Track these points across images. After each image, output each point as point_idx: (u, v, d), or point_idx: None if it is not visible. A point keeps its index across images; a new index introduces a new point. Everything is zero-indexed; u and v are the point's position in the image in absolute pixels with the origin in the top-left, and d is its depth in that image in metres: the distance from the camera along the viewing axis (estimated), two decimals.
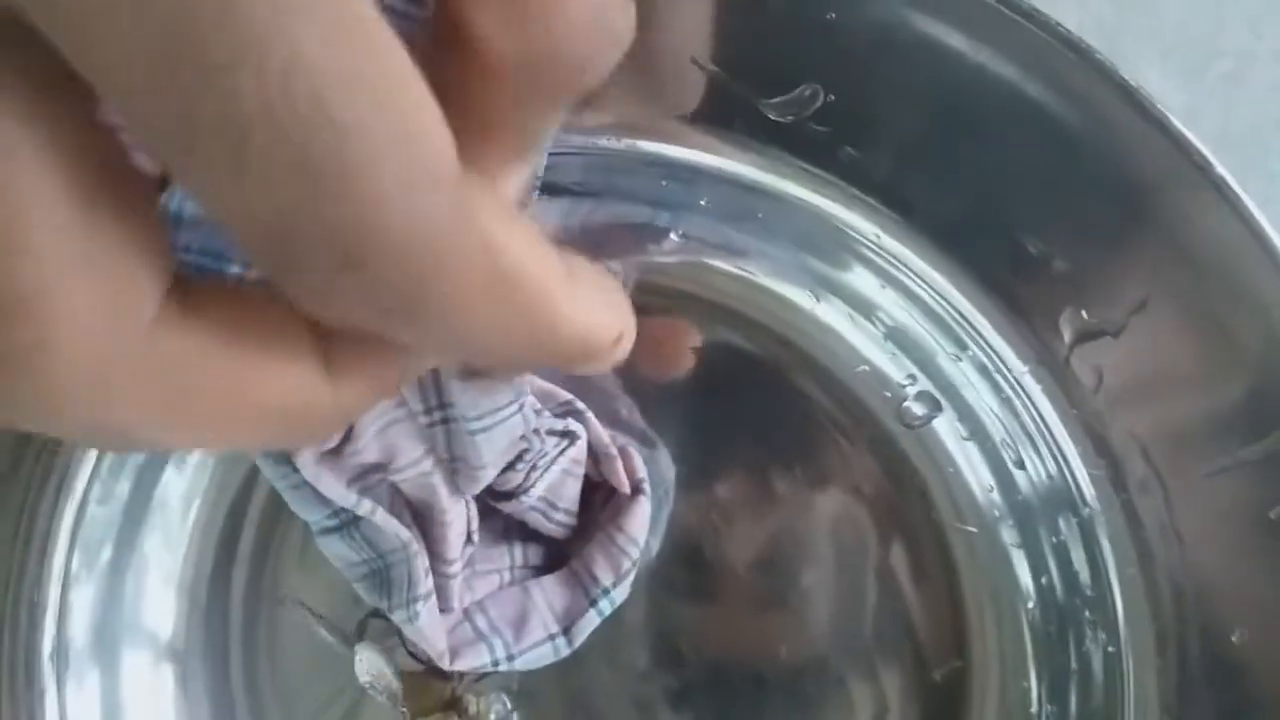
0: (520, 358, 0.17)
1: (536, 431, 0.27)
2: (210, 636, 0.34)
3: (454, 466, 0.26)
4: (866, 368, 0.33)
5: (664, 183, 0.31)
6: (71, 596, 0.33)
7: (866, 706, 0.32)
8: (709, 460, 0.33)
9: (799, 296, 0.32)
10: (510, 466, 0.27)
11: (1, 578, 0.33)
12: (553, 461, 0.28)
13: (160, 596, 0.34)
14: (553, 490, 0.29)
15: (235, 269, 0.21)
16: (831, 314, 0.32)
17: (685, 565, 0.33)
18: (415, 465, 0.26)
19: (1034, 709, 0.32)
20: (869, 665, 0.32)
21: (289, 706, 0.34)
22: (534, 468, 0.28)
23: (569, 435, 0.29)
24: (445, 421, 0.25)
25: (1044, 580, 0.32)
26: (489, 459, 0.26)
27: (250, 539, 0.34)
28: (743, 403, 0.33)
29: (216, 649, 0.34)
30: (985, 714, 0.32)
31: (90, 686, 0.33)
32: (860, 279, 0.32)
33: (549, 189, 0.31)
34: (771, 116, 0.29)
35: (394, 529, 0.26)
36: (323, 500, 0.26)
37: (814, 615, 0.33)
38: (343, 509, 0.26)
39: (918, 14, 0.28)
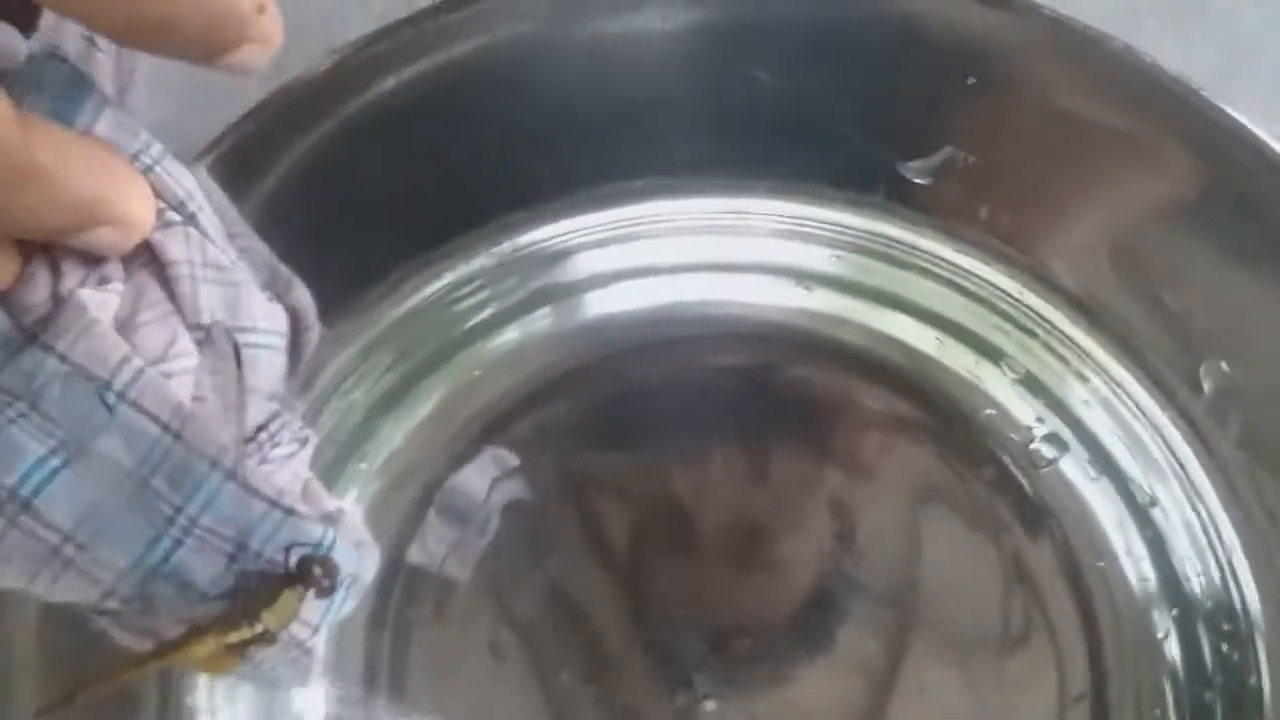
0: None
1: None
2: None
3: None
4: (994, 411, 0.34)
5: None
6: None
7: None
8: (837, 508, 0.34)
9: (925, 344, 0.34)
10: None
11: None
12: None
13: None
14: None
15: None
16: (958, 359, 0.34)
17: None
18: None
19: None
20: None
21: None
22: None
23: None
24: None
25: (1179, 613, 0.33)
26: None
27: None
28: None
29: None
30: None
31: None
32: (994, 332, 0.33)
33: None
34: (913, 179, 0.30)
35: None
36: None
37: (950, 660, 0.33)
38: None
39: (1052, 77, 0.29)
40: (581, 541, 0.35)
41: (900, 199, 0.31)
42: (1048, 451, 0.34)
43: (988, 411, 0.34)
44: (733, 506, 0.34)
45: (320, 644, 0.28)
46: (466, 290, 0.34)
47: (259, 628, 0.25)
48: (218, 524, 0.26)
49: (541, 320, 0.34)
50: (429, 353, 0.34)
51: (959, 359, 0.33)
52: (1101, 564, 0.33)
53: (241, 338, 0.28)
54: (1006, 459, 0.34)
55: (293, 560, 0.25)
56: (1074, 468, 0.34)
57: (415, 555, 0.34)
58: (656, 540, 0.35)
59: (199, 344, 0.28)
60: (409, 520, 0.34)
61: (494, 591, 0.34)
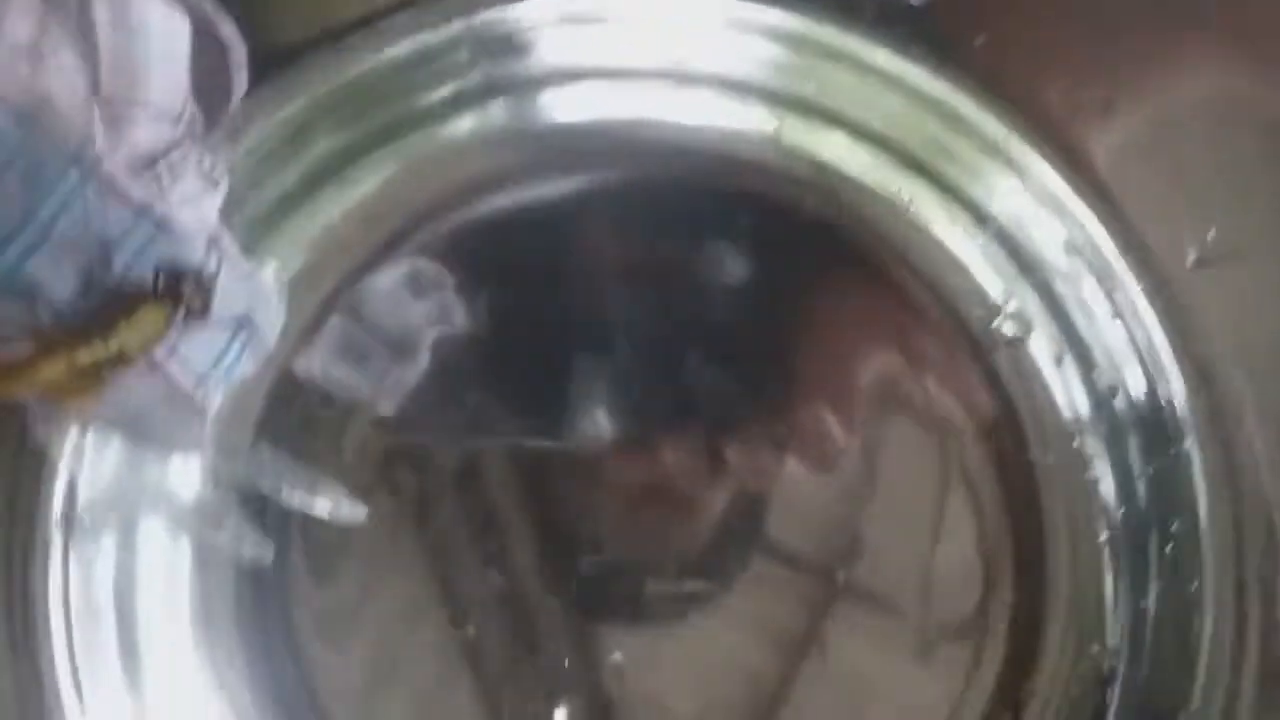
0: None
1: None
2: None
3: None
4: (962, 278, 0.31)
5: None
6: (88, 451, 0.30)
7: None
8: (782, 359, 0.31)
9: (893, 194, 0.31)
10: None
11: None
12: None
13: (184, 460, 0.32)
14: None
15: None
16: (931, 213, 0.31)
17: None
18: None
19: (1109, 644, 0.31)
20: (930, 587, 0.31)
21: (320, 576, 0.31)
22: None
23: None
24: None
25: (1124, 510, 0.31)
26: None
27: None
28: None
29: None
30: (1061, 648, 0.31)
31: (103, 555, 0.31)
32: (977, 179, 0.30)
33: None
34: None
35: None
36: None
37: (881, 538, 0.31)
38: None
39: None
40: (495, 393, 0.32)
41: (890, 20, 0.28)
42: (1011, 330, 0.31)
43: (954, 277, 0.31)
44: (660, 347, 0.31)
45: (212, 404, 0.25)
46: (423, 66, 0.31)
47: (113, 346, 0.21)
48: (76, 231, 0.22)
49: (496, 113, 0.31)
50: (377, 126, 0.31)
51: (931, 210, 0.31)
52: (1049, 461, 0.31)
53: (125, 36, 0.25)
54: (968, 334, 0.31)
55: (159, 279, 0.22)
56: (1037, 349, 0.31)
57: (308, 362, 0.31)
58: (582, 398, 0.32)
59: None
60: (313, 320, 0.31)
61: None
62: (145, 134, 0.25)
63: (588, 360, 0.32)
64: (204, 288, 0.22)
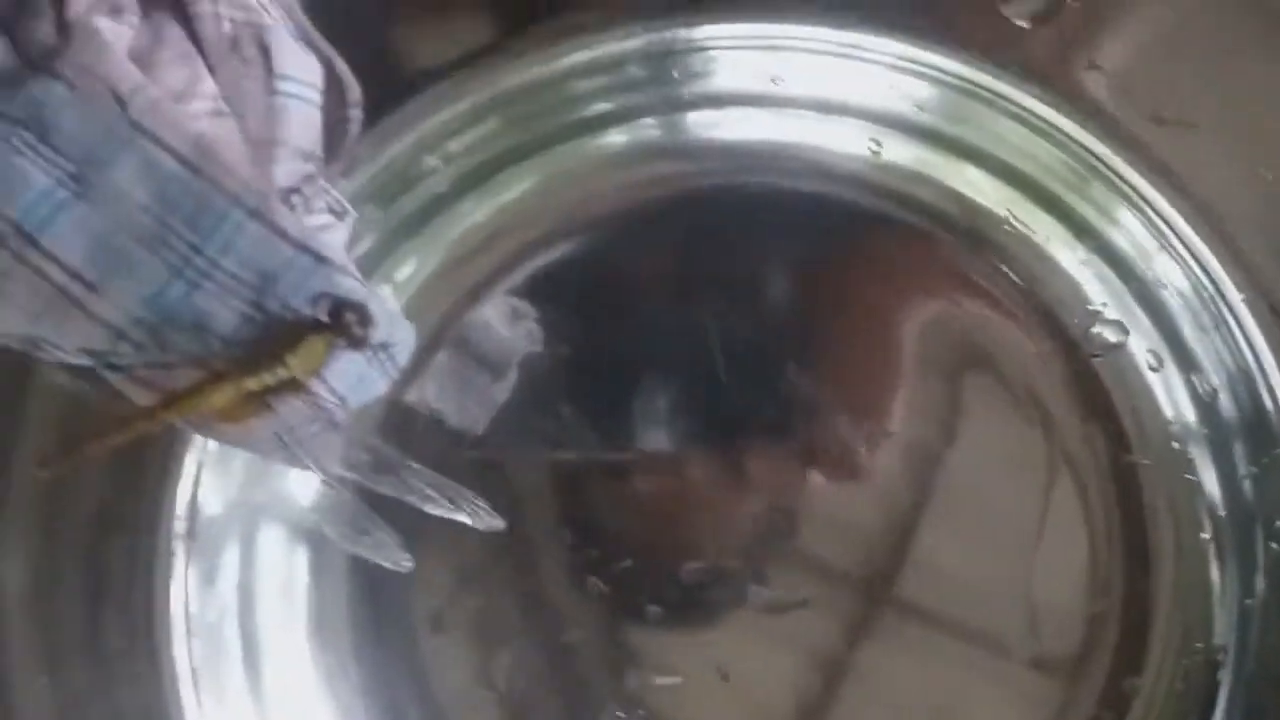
0: None
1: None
2: None
3: None
4: (1061, 285, 0.32)
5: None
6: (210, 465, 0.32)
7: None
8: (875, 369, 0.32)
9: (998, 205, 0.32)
10: None
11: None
12: None
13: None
14: None
15: None
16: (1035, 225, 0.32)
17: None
18: None
19: (1215, 641, 0.31)
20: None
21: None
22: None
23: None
24: None
25: (1228, 509, 0.31)
26: None
27: None
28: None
29: None
30: (1166, 646, 0.31)
31: (224, 567, 0.32)
32: (1082, 197, 0.31)
33: None
34: (1014, 20, 0.29)
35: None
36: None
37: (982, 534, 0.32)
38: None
39: None
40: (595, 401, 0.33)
41: (996, 44, 0.29)
42: (1110, 336, 0.32)
43: (1054, 287, 0.32)
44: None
45: (346, 420, 0.26)
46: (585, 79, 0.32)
47: (282, 373, 0.23)
48: (240, 267, 0.24)
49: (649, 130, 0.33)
50: (530, 137, 0.33)
51: (1035, 220, 0.32)
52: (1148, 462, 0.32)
53: (267, 84, 0.26)
54: (1066, 340, 0.32)
55: (322, 311, 0.23)
56: (1136, 354, 0.32)
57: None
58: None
59: (221, 54, 0.26)
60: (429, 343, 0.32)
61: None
62: (284, 171, 0.26)
63: (676, 373, 0.33)
64: (365, 316, 0.23)
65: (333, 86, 0.28)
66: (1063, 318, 0.32)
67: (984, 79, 0.31)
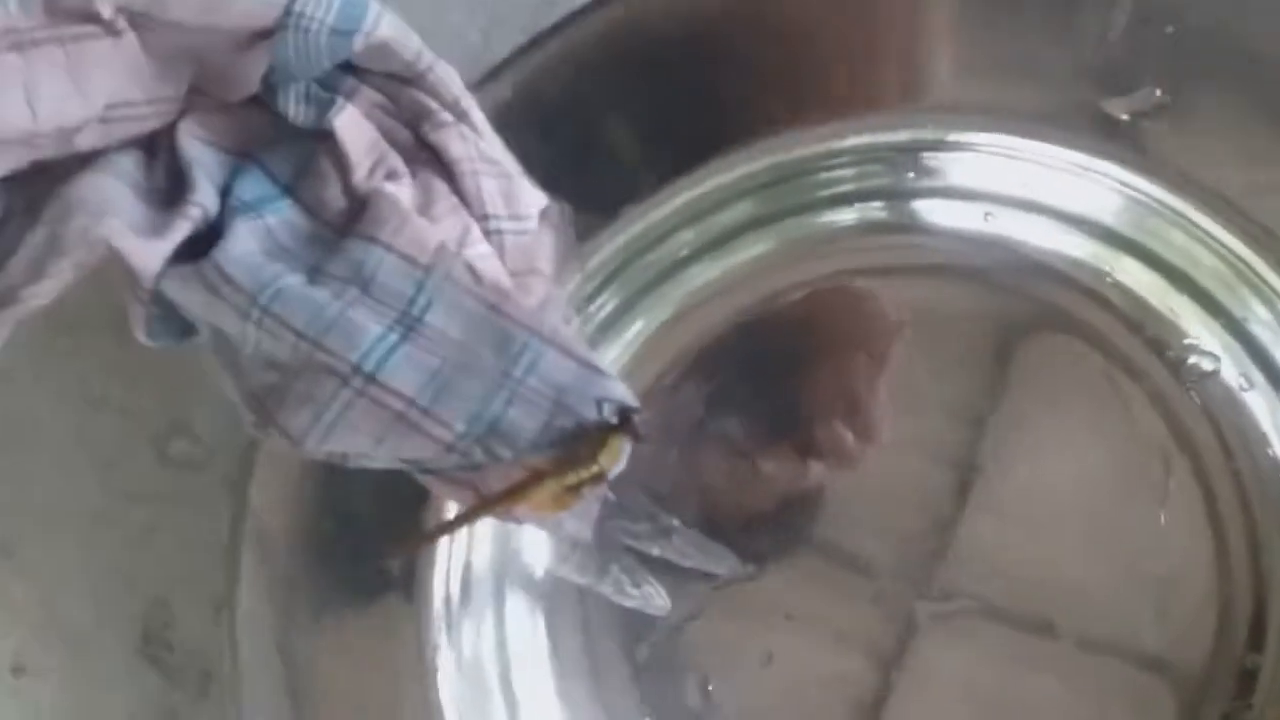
0: None
1: None
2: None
3: None
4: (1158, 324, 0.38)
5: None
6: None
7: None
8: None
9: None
10: None
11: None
12: None
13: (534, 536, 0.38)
14: None
15: None
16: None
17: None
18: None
19: None
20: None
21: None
22: None
23: None
24: None
25: None
26: None
27: None
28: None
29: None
30: None
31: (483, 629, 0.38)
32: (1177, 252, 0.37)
33: None
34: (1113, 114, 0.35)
35: None
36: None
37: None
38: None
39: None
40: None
41: (1104, 134, 0.35)
42: (1203, 365, 0.38)
43: (1152, 326, 0.38)
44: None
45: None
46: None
47: (595, 469, 0.28)
48: (541, 383, 0.29)
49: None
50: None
51: (1136, 277, 0.38)
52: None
53: (519, 224, 0.32)
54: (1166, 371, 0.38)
55: (604, 412, 0.29)
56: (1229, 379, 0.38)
57: None
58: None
59: (481, 204, 0.31)
60: None
61: None
62: (538, 296, 0.32)
63: None
64: (643, 417, 0.29)
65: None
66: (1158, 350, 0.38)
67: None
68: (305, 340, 0.28)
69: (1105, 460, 0.38)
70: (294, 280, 0.29)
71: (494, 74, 0.35)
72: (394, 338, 0.29)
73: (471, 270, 0.30)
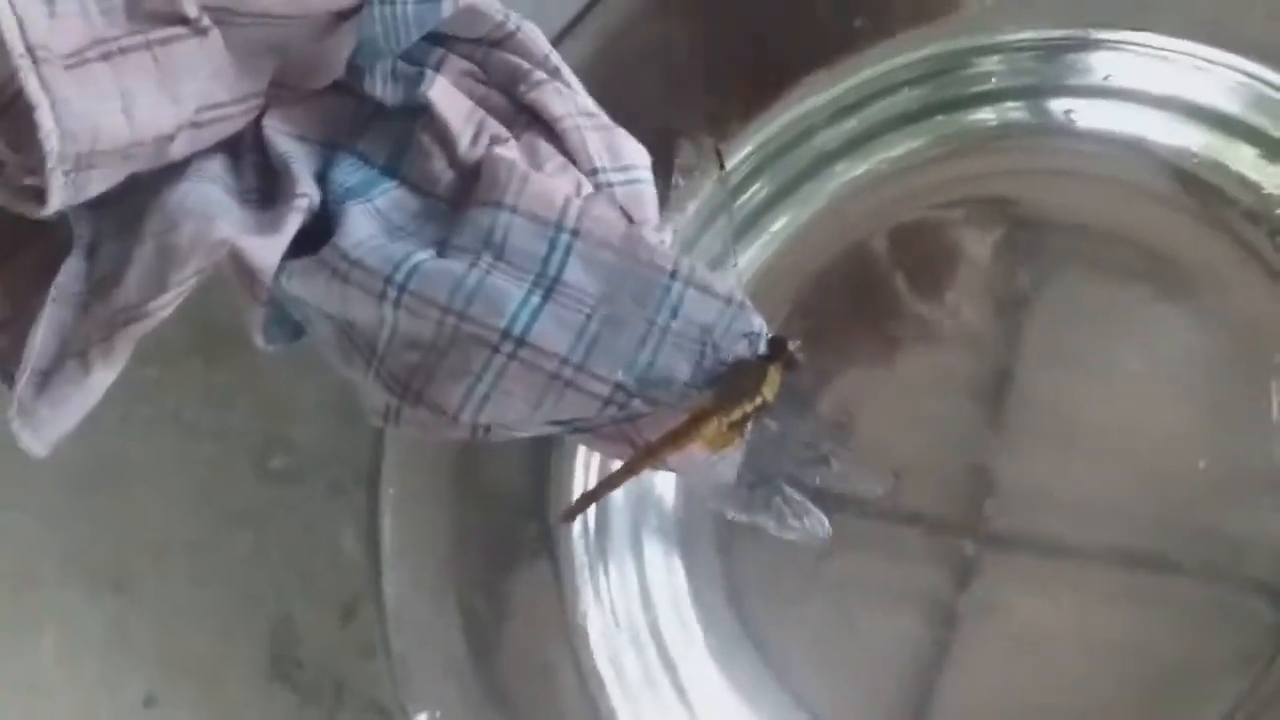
0: None
1: None
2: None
3: None
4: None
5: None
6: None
7: None
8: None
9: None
10: None
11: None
12: None
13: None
14: None
15: None
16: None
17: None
18: None
19: None
20: None
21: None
22: None
23: None
24: None
25: None
26: None
27: None
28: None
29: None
30: None
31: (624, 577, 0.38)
32: None
33: None
34: None
35: None
36: None
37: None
38: None
39: None
40: None
41: None
42: None
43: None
44: None
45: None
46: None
47: (759, 400, 0.28)
48: (686, 325, 0.29)
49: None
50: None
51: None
52: None
53: (626, 175, 0.31)
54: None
55: (754, 346, 0.29)
56: None
57: None
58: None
59: (588, 160, 0.31)
60: None
61: None
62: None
63: None
64: (797, 345, 0.29)
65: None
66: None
67: None
68: (451, 313, 0.28)
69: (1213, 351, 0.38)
70: (425, 255, 0.29)
71: (570, 28, 0.34)
72: (536, 299, 0.29)
73: (603, 220, 0.29)
